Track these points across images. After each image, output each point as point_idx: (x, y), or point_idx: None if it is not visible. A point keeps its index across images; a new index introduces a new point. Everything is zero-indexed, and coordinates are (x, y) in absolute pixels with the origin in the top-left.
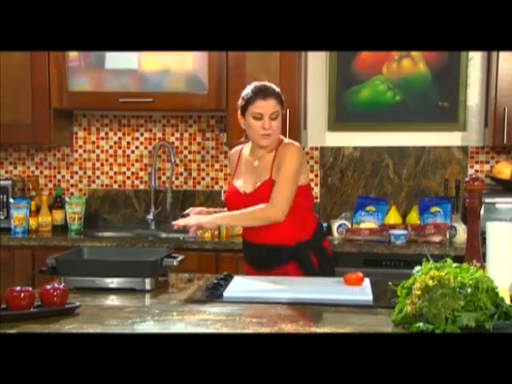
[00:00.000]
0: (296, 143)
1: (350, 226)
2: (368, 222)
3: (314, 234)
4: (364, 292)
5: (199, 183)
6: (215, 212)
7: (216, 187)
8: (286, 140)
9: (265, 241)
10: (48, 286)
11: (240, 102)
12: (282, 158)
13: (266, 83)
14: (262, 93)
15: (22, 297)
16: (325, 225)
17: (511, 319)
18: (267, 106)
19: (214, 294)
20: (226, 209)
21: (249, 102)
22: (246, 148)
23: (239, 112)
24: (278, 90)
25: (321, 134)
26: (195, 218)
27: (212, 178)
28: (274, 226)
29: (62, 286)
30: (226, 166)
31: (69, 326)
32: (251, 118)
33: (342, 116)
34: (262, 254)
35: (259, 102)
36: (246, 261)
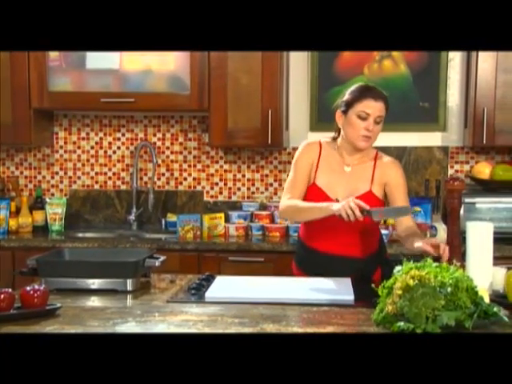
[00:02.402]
0: (396, 161)
1: None
2: None
3: (380, 245)
4: (346, 292)
5: (181, 183)
6: None
7: (198, 187)
8: (385, 156)
9: (329, 250)
10: (28, 288)
11: (345, 97)
12: (395, 178)
13: (375, 86)
14: (372, 92)
15: (1, 298)
16: None
17: (490, 318)
18: (376, 108)
19: (196, 294)
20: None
21: (357, 99)
22: (328, 147)
23: (341, 109)
24: (387, 97)
25: (303, 135)
26: None
27: (194, 179)
28: (344, 238)
29: (42, 288)
30: (208, 166)
31: (49, 328)
32: (355, 116)
33: (324, 116)
34: (331, 264)
35: (369, 101)
36: (300, 266)
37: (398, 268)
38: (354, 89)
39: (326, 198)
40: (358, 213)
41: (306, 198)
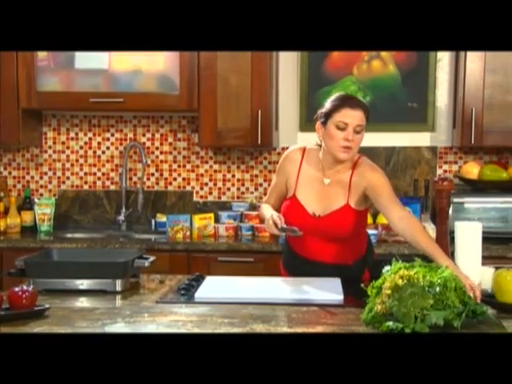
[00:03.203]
0: (375, 167)
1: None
2: None
3: (368, 248)
4: (335, 292)
5: (171, 184)
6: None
7: (188, 188)
8: (362, 162)
9: (316, 258)
10: (16, 289)
11: (323, 109)
12: (373, 180)
13: (357, 97)
14: (350, 102)
15: None
16: None
17: (478, 317)
18: (354, 117)
19: (185, 294)
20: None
21: (335, 109)
22: (310, 156)
23: (320, 121)
24: (367, 105)
25: (292, 135)
26: None
27: (184, 179)
28: (327, 248)
29: (30, 288)
30: (197, 166)
31: (38, 329)
32: (334, 127)
33: (314, 116)
34: (309, 269)
35: (347, 110)
36: (285, 268)
37: (386, 268)
38: (332, 99)
39: (304, 212)
40: (275, 231)
41: (286, 210)
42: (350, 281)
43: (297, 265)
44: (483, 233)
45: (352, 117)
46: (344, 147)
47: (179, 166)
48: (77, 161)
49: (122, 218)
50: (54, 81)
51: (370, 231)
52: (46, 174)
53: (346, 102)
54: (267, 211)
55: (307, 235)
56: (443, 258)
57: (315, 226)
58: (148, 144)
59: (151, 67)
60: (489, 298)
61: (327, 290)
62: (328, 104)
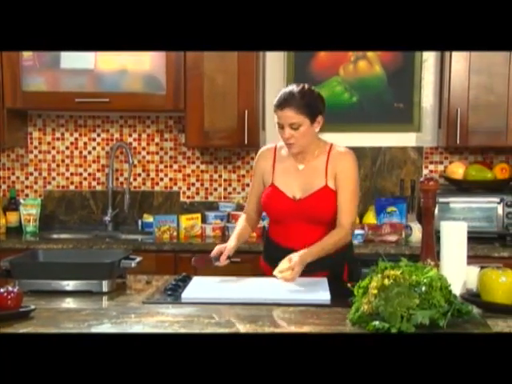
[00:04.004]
0: (350, 151)
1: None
2: None
3: (350, 244)
4: (322, 292)
5: (157, 184)
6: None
7: (175, 188)
8: (339, 147)
9: (296, 246)
10: (2, 290)
11: None
12: (343, 170)
13: (291, 89)
14: (279, 102)
15: None
16: None
17: (464, 316)
18: (284, 117)
19: (172, 295)
20: (236, 231)
21: (274, 111)
22: (281, 153)
23: None
24: (300, 96)
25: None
26: (289, 271)
27: (170, 179)
28: (309, 233)
29: (16, 290)
30: (184, 166)
31: (23, 330)
32: (277, 126)
33: None
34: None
35: (277, 111)
36: (266, 260)
37: (373, 267)
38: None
39: (284, 196)
40: (213, 251)
41: (266, 199)
42: (332, 273)
43: (279, 256)
44: (468, 232)
45: (282, 117)
46: (287, 144)
47: (166, 167)
48: (63, 161)
49: (108, 218)
50: (39, 81)
51: (357, 231)
52: (31, 174)
53: (277, 102)
54: (233, 234)
55: (289, 220)
56: (309, 250)
57: (296, 209)
58: (134, 144)
59: (137, 67)
60: (474, 297)
61: (314, 290)
62: None
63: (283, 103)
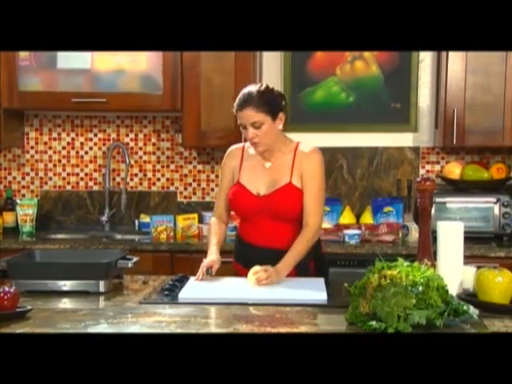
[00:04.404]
0: (316, 149)
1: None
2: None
3: (316, 242)
4: (319, 291)
5: (154, 184)
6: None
7: (171, 188)
8: (305, 145)
9: (268, 245)
10: None
11: None
12: (309, 169)
13: (250, 89)
14: (238, 103)
15: None
16: None
17: (460, 316)
18: (245, 116)
19: (169, 295)
20: (214, 241)
21: (235, 112)
22: (248, 152)
23: None
24: (259, 95)
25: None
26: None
27: (167, 179)
28: (277, 231)
29: (12, 290)
30: (181, 166)
31: (20, 330)
32: (240, 127)
33: (297, 117)
34: (263, 258)
35: (238, 113)
36: (238, 261)
37: (370, 267)
38: None
39: (248, 193)
40: (200, 274)
41: (231, 196)
42: (299, 272)
43: (249, 255)
44: (465, 232)
45: (243, 117)
46: (252, 143)
47: (163, 167)
48: (59, 161)
49: (105, 218)
50: (36, 81)
51: (354, 231)
52: (28, 174)
53: (236, 104)
54: (209, 243)
55: (256, 218)
56: (284, 261)
57: (261, 206)
58: (131, 144)
59: (134, 67)
60: (471, 297)
61: (311, 290)
62: None
63: (243, 104)
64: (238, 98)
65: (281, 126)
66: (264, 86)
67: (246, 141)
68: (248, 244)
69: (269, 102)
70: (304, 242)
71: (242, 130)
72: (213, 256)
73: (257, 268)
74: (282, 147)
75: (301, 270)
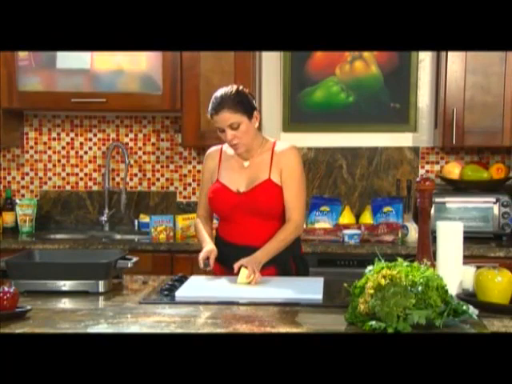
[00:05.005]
0: (293, 145)
1: (304, 226)
2: (322, 222)
3: (296, 240)
4: (315, 290)
5: (154, 184)
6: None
7: (171, 188)
8: (282, 143)
9: (247, 242)
10: None
11: None
12: (288, 165)
13: (222, 92)
14: (213, 107)
15: None
16: None
17: (460, 316)
18: (220, 120)
19: (168, 295)
20: (205, 234)
21: (210, 116)
22: (227, 153)
23: None
24: (232, 97)
25: (275, 135)
26: (249, 272)
27: (167, 179)
28: (258, 229)
29: (12, 290)
30: (180, 166)
31: (19, 331)
32: (218, 131)
33: (297, 117)
34: (241, 256)
35: (214, 117)
36: (218, 261)
37: (369, 267)
38: None
39: (228, 191)
40: (201, 263)
41: (211, 194)
42: (280, 271)
43: (231, 255)
44: (464, 232)
45: (220, 121)
46: (231, 145)
47: (162, 167)
48: (59, 161)
49: (104, 218)
50: (35, 80)
51: (353, 231)
52: (27, 174)
53: (211, 108)
54: (202, 237)
55: (236, 215)
56: (263, 249)
57: (240, 203)
58: (131, 144)
59: (134, 67)
60: (470, 297)
61: (308, 289)
62: None
63: (217, 107)
64: (211, 103)
65: (257, 125)
66: (235, 87)
67: (223, 143)
68: (229, 243)
69: (243, 102)
70: (285, 232)
71: (220, 134)
72: (209, 246)
73: (244, 273)
74: (259, 146)
75: (282, 271)
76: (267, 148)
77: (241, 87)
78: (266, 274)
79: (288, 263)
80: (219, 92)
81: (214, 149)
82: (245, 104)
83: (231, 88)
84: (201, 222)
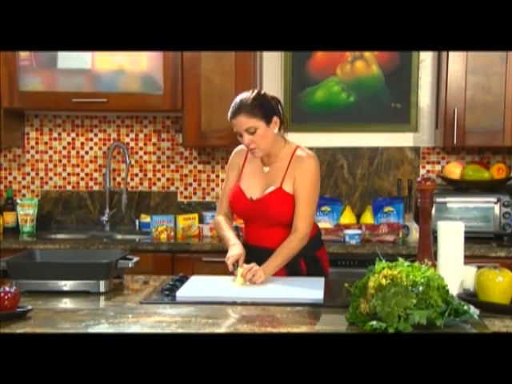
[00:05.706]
0: (312, 154)
1: None
2: (323, 222)
3: (309, 242)
4: (316, 291)
5: (155, 184)
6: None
7: (172, 188)
8: (301, 151)
9: (264, 244)
10: None
11: None
12: (302, 174)
13: (241, 97)
14: (231, 111)
15: None
16: None
17: (461, 316)
18: (239, 124)
19: (169, 295)
20: (231, 233)
21: (229, 120)
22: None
23: None
24: (250, 101)
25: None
26: (255, 276)
27: (168, 179)
28: (272, 235)
29: (13, 290)
30: (181, 166)
31: (20, 331)
32: (237, 135)
33: (297, 117)
34: (262, 257)
35: (232, 121)
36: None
37: (370, 267)
38: None
39: (243, 196)
40: (230, 267)
41: (230, 197)
42: (290, 273)
43: (248, 253)
44: (465, 232)
45: (237, 125)
46: (249, 150)
47: (163, 167)
48: (60, 161)
49: (105, 218)
50: (36, 80)
51: (354, 231)
52: (28, 174)
53: (230, 112)
54: (226, 236)
55: (250, 221)
56: (268, 263)
57: (252, 210)
58: (132, 144)
59: (135, 67)
60: (471, 297)
61: (309, 289)
62: None
63: (235, 111)
64: (231, 107)
65: (276, 130)
66: (256, 91)
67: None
68: (247, 245)
69: (261, 106)
70: (291, 245)
71: (239, 138)
72: (237, 248)
73: (242, 269)
74: (280, 151)
75: (292, 272)
76: (287, 154)
77: (262, 91)
78: (274, 275)
79: (298, 265)
80: (239, 96)
81: (241, 147)
82: (263, 109)
83: (251, 92)
84: (223, 220)
